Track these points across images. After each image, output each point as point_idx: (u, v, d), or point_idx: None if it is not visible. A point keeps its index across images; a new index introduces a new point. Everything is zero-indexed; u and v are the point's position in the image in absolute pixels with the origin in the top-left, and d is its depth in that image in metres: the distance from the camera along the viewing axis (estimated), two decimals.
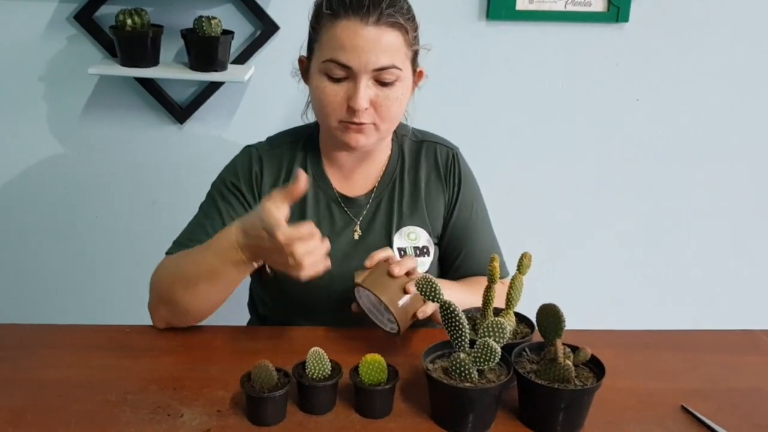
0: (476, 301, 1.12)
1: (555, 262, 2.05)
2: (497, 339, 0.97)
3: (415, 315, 1.10)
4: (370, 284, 1.10)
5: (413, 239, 1.30)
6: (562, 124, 1.96)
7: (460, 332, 0.98)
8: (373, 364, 0.99)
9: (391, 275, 1.10)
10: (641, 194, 2.04)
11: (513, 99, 1.93)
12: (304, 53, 1.27)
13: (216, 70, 1.76)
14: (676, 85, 1.94)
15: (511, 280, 1.07)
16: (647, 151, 2.00)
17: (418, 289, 1.01)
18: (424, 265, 1.30)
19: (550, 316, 1.00)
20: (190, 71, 1.77)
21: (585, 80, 1.92)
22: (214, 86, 1.85)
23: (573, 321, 1.02)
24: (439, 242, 1.35)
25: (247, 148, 1.32)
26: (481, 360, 0.95)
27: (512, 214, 1.95)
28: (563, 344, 0.99)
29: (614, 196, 2.04)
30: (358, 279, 1.12)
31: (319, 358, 1.00)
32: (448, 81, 1.87)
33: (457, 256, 1.34)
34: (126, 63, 1.75)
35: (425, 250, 1.31)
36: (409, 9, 1.20)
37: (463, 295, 1.19)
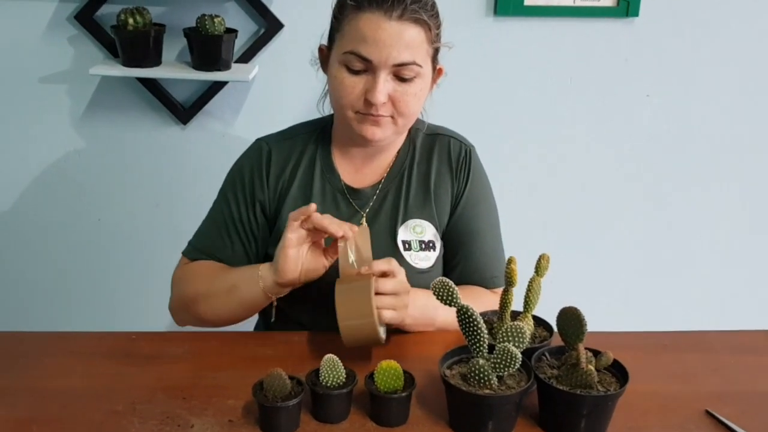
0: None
1: (562, 261, 2.01)
2: (517, 344, 0.94)
3: (369, 340, 1.06)
4: (338, 291, 1.06)
5: (419, 233, 1.28)
6: (571, 121, 1.93)
7: (478, 337, 0.95)
8: (389, 371, 0.96)
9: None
10: (651, 191, 2.01)
11: (521, 96, 1.90)
12: (315, 47, 1.26)
13: (219, 70, 1.73)
14: (687, 81, 1.91)
15: (529, 282, 1.04)
16: (658, 148, 1.97)
17: (435, 294, 0.97)
18: (429, 259, 1.27)
19: (571, 319, 0.97)
20: (193, 71, 1.74)
21: (594, 76, 1.89)
22: (218, 86, 1.83)
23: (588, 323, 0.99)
24: (442, 240, 1.32)
25: (257, 142, 1.32)
26: (501, 366, 0.92)
27: (518, 212, 1.92)
28: (585, 348, 0.96)
29: (623, 194, 2.01)
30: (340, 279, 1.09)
31: (333, 366, 0.97)
32: (454, 78, 1.82)
33: (455, 256, 1.31)
34: (128, 63, 1.72)
35: (431, 245, 1.28)
36: (434, 6, 1.19)
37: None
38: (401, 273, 1.11)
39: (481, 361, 0.93)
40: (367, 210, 1.28)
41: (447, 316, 1.16)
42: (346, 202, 1.28)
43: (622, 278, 2.09)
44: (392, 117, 1.18)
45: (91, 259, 1.99)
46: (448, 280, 0.97)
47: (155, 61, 1.74)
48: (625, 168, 1.98)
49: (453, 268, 1.31)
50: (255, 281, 1.14)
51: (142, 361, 1.12)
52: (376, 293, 1.05)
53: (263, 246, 1.30)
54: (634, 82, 1.90)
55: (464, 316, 0.95)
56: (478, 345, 0.96)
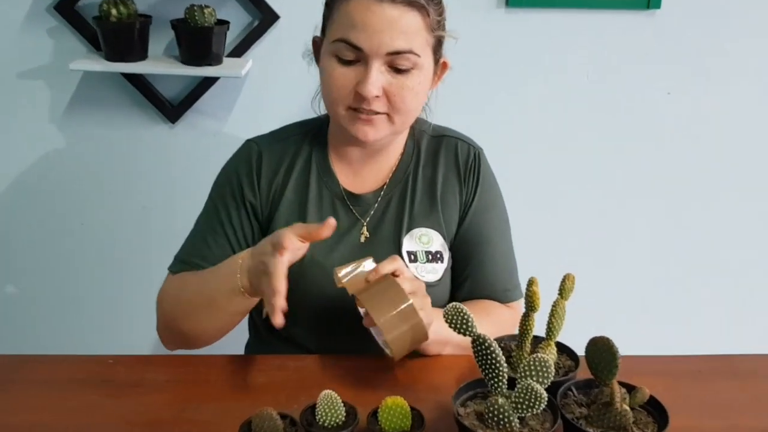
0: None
1: (579, 274, 1.90)
2: (541, 379, 0.83)
3: (417, 340, 0.97)
4: (365, 299, 0.96)
5: (425, 243, 1.17)
6: (589, 119, 1.82)
7: (496, 372, 0.84)
8: (395, 409, 0.85)
9: (380, 288, 0.97)
10: (672, 192, 1.90)
11: (535, 92, 1.79)
12: (318, 34, 1.15)
13: (210, 64, 1.65)
14: (710, 77, 1.80)
15: (553, 306, 0.93)
16: (679, 147, 1.85)
17: (447, 321, 0.86)
18: (436, 272, 1.17)
19: (602, 351, 0.85)
20: (181, 66, 1.65)
21: (613, 72, 1.78)
22: (209, 82, 1.74)
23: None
24: (450, 251, 1.21)
25: (247, 143, 1.22)
26: (524, 406, 0.81)
27: (532, 214, 1.82)
28: (618, 383, 0.85)
29: (643, 198, 1.90)
30: (348, 285, 0.99)
31: (331, 404, 0.85)
32: (461, 73, 1.70)
33: (465, 268, 1.21)
34: (111, 57, 1.62)
35: (438, 256, 1.17)
36: None
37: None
38: (408, 271, 1.03)
39: (501, 400, 0.82)
40: (368, 218, 1.18)
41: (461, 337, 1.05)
42: (345, 209, 1.18)
43: (644, 291, 1.98)
44: (388, 114, 1.08)
45: (70, 269, 1.88)
46: (460, 306, 0.85)
47: (141, 55, 1.64)
48: (643, 168, 1.87)
49: (462, 282, 1.21)
50: (232, 259, 1.05)
51: (119, 390, 1.01)
52: None
53: None
54: (655, 78, 1.79)
55: (481, 347, 0.84)
56: (496, 381, 0.84)
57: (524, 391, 0.81)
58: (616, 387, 0.84)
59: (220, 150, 1.29)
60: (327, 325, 1.16)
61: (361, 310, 1.01)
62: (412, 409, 0.87)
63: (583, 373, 0.90)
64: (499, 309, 1.19)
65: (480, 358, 0.85)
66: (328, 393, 0.86)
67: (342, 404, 0.86)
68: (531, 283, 0.92)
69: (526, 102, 1.79)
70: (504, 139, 1.78)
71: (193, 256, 1.17)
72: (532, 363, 0.84)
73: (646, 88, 1.79)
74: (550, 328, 0.93)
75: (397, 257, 1.00)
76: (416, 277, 1.04)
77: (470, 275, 1.20)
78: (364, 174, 1.19)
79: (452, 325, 0.86)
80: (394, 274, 0.99)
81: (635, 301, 1.99)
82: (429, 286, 1.14)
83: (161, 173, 1.81)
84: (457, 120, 1.27)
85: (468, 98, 1.76)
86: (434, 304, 1.03)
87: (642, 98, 1.80)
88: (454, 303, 0.86)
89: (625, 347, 0.97)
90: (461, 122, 1.28)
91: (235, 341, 1.26)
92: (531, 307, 0.92)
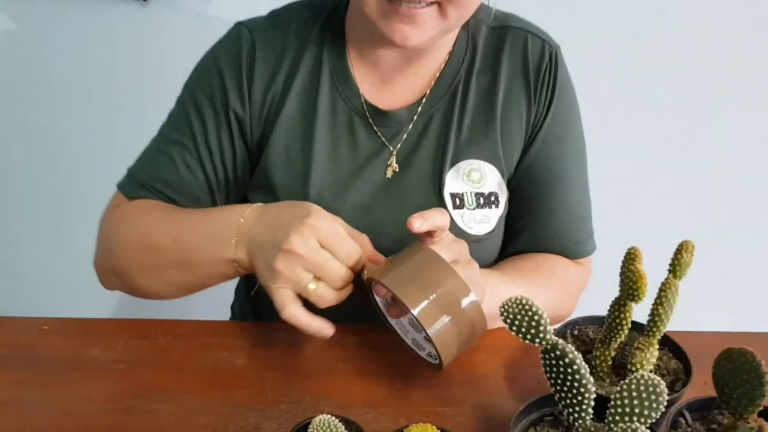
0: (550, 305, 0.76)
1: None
2: (645, 411, 0.55)
3: (472, 336, 0.68)
4: (391, 280, 0.66)
5: (476, 181, 0.87)
6: None
7: (578, 400, 0.56)
8: None
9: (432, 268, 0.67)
10: None
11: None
12: None
13: None
14: None
15: (663, 287, 0.63)
16: None
17: (505, 319, 0.57)
18: (489, 221, 0.87)
19: (742, 370, 0.56)
20: None
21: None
22: None
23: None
24: (507, 191, 0.91)
25: (237, 28, 0.90)
26: None
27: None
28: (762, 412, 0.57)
29: None
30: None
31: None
32: None
33: (525, 214, 0.91)
34: None
35: (493, 199, 0.87)
36: None
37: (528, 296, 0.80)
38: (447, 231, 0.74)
39: None
40: (399, 144, 0.87)
41: None
42: (367, 130, 0.87)
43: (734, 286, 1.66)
44: (438, 4, 0.76)
45: (20, 186, 1.60)
46: (526, 299, 0.57)
47: None
48: None
49: (519, 232, 0.92)
50: (223, 251, 0.76)
51: (51, 374, 0.76)
52: None
53: (238, 184, 0.91)
54: None
55: (556, 360, 0.56)
56: (577, 411, 0.57)
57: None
58: (765, 425, 0.55)
59: (204, 33, 0.96)
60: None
61: (380, 303, 0.72)
62: None
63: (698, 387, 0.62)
64: (566, 268, 0.91)
65: (555, 375, 0.57)
66: (324, 419, 0.58)
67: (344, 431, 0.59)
68: (632, 257, 0.62)
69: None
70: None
71: (153, 180, 0.88)
72: (636, 385, 0.55)
73: None
74: (655, 320, 0.63)
75: (443, 211, 0.71)
76: (455, 239, 0.73)
77: (532, 223, 0.90)
78: (395, 82, 0.88)
79: (514, 327, 0.57)
80: (429, 234, 0.70)
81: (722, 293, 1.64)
82: (477, 240, 0.85)
83: (135, 65, 1.49)
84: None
85: None
86: (481, 265, 0.74)
87: None
88: (517, 297, 0.57)
89: None
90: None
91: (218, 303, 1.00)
92: (631, 293, 0.62)
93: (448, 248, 0.70)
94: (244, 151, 0.89)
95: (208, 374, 0.76)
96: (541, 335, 0.56)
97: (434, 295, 0.65)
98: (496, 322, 0.80)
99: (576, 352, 0.56)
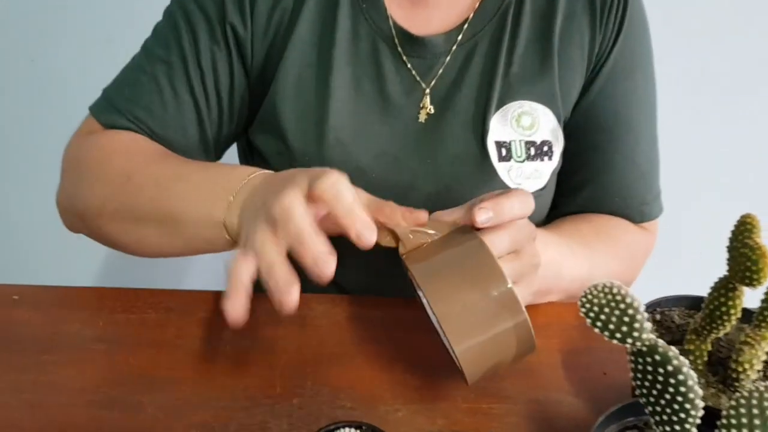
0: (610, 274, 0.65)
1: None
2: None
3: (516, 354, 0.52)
4: (423, 276, 0.50)
5: (527, 127, 0.72)
6: None
7: (681, 414, 0.43)
8: None
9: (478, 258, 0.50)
10: None
11: None
12: None
13: None
14: None
15: None
16: None
17: (585, 312, 0.44)
18: (540, 175, 0.73)
19: None
20: None
21: None
22: None
23: None
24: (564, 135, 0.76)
25: None
26: None
27: None
28: None
29: None
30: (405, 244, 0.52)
31: None
32: None
33: (583, 167, 0.76)
34: None
35: (546, 149, 0.73)
36: None
37: (588, 266, 0.68)
38: (509, 210, 0.54)
39: None
40: (434, 80, 0.72)
41: (575, 277, 0.66)
42: (396, 61, 0.72)
43: None
44: None
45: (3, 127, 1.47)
46: (618, 286, 0.43)
47: None
48: None
49: (575, 190, 0.77)
50: (215, 214, 0.60)
51: (18, 357, 0.63)
52: None
53: (233, 117, 0.75)
54: None
55: (653, 366, 0.43)
56: (677, 429, 0.44)
57: None
58: None
59: None
60: (355, 258, 0.73)
61: (423, 299, 0.57)
62: None
63: None
64: (630, 233, 0.77)
65: (649, 384, 0.44)
66: None
67: None
68: (748, 227, 0.48)
69: None
70: None
71: (133, 105, 0.73)
72: (748, 403, 0.42)
73: None
74: None
75: (527, 194, 0.54)
76: (525, 225, 0.55)
77: (591, 179, 0.76)
78: (431, 3, 0.72)
79: (599, 323, 0.43)
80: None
81: None
82: None
83: None
84: None
85: None
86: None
87: None
88: (600, 283, 0.43)
89: None
90: None
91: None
92: (747, 275, 0.48)
93: (510, 236, 0.53)
94: (242, 77, 0.74)
95: (207, 358, 0.63)
96: (636, 334, 0.42)
97: (472, 306, 0.49)
98: (547, 297, 0.67)
99: (682, 358, 0.42)
